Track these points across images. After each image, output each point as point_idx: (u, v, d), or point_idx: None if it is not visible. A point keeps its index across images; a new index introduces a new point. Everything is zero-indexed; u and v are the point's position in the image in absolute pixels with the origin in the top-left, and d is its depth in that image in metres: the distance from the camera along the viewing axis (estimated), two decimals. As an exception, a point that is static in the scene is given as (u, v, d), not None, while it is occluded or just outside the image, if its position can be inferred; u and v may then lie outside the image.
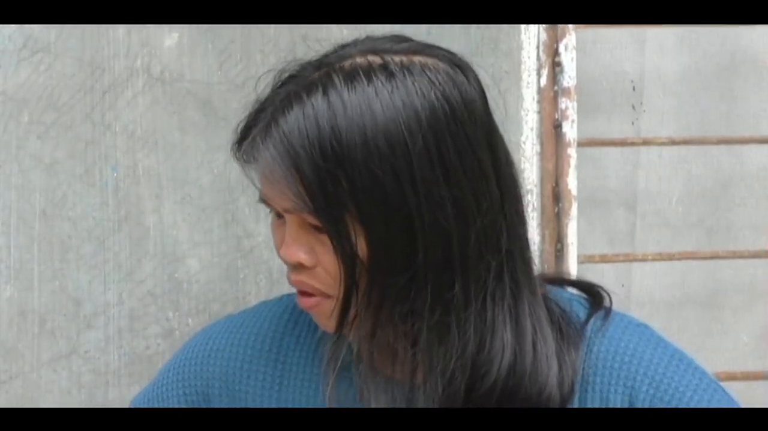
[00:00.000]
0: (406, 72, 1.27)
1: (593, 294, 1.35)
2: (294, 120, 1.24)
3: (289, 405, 1.41)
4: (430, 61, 1.30)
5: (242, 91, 1.72)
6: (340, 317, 1.29)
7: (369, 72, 1.26)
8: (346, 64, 1.27)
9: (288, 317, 1.44)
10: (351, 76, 1.26)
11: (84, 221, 1.73)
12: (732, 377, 1.85)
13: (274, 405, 1.40)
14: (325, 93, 1.24)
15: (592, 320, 1.32)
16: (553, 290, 1.37)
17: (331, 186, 1.22)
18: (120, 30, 1.71)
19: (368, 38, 1.32)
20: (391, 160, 1.23)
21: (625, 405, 1.29)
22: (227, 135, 1.56)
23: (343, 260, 1.24)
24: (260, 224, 1.74)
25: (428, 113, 1.25)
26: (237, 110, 1.56)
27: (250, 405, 1.42)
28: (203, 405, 1.46)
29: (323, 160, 1.21)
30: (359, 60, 1.27)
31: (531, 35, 1.78)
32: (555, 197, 1.84)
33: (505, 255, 1.28)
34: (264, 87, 1.34)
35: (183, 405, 1.48)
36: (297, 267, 1.27)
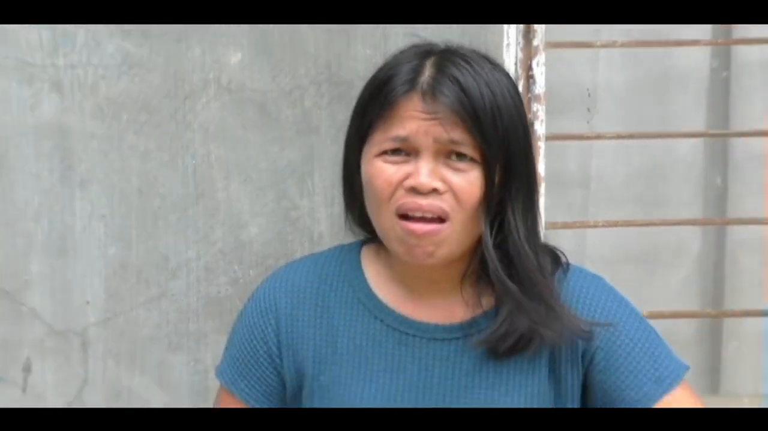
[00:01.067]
0: (495, 64, 1.31)
1: (554, 254, 1.36)
2: (477, 86, 1.25)
3: (332, 338, 1.38)
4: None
5: (290, 97, 1.71)
6: (457, 238, 1.28)
7: (481, 58, 1.29)
8: (460, 48, 1.30)
9: (320, 272, 1.40)
10: (474, 57, 1.29)
11: (170, 197, 1.73)
12: (662, 315, 1.88)
13: (320, 337, 1.37)
14: (476, 66, 1.27)
15: (557, 273, 1.33)
16: None
17: (499, 142, 1.26)
18: (197, 50, 1.69)
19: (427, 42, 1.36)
20: (525, 131, 1.30)
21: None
22: (279, 131, 1.71)
23: (486, 189, 1.27)
24: (304, 199, 1.73)
25: (518, 96, 1.30)
26: (286, 111, 1.70)
27: (303, 336, 1.38)
28: (280, 352, 1.39)
29: (495, 122, 1.25)
30: (463, 46, 1.30)
31: (511, 54, 1.75)
32: (528, 178, 1.80)
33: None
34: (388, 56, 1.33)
35: (278, 354, 1.40)
36: (430, 192, 1.26)
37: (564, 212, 1.97)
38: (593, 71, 1.99)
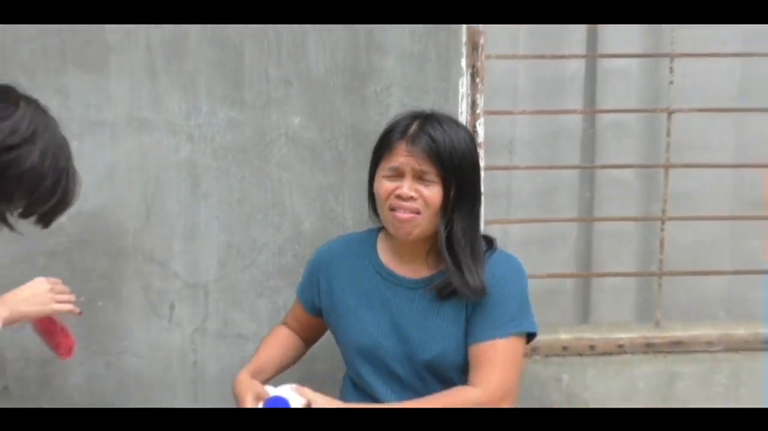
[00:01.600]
0: (459, 124, 1.56)
1: (489, 239, 1.63)
2: (443, 138, 1.48)
3: (352, 284, 1.61)
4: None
5: (329, 144, 1.98)
6: (425, 225, 1.50)
7: (450, 120, 1.54)
8: (439, 114, 1.54)
9: (351, 245, 1.68)
10: (447, 120, 1.52)
11: (257, 205, 2.03)
12: (553, 275, 2.17)
13: (346, 283, 1.62)
14: (445, 126, 1.49)
15: (488, 253, 1.59)
16: None
17: (453, 171, 1.49)
18: (273, 116, 1.94)
19: (418, 110, 1.55)
20: (474, 166, 1.53)
21: (487, 286, 1.52)
22: (322, 165, 1.98)
23: (444, 199, 1.50)
24: (338, 206, 2.00)
25: (472, 144, 1.53)
26: (328, 153, 1.97)
27: (338, 281, 1.62)
28: (319, 284, 1.66)
29: (452, 160, 1.49)
30: (441, 113, 1.55)
31: (463, 118, 1.97)
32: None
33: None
34: (393, 117, 1.58)
35: (318, 285, 1.67)
36: (408, 198, 1.49)
37: (495, 213, 2.22)
38: (512, 129, 2.26)
